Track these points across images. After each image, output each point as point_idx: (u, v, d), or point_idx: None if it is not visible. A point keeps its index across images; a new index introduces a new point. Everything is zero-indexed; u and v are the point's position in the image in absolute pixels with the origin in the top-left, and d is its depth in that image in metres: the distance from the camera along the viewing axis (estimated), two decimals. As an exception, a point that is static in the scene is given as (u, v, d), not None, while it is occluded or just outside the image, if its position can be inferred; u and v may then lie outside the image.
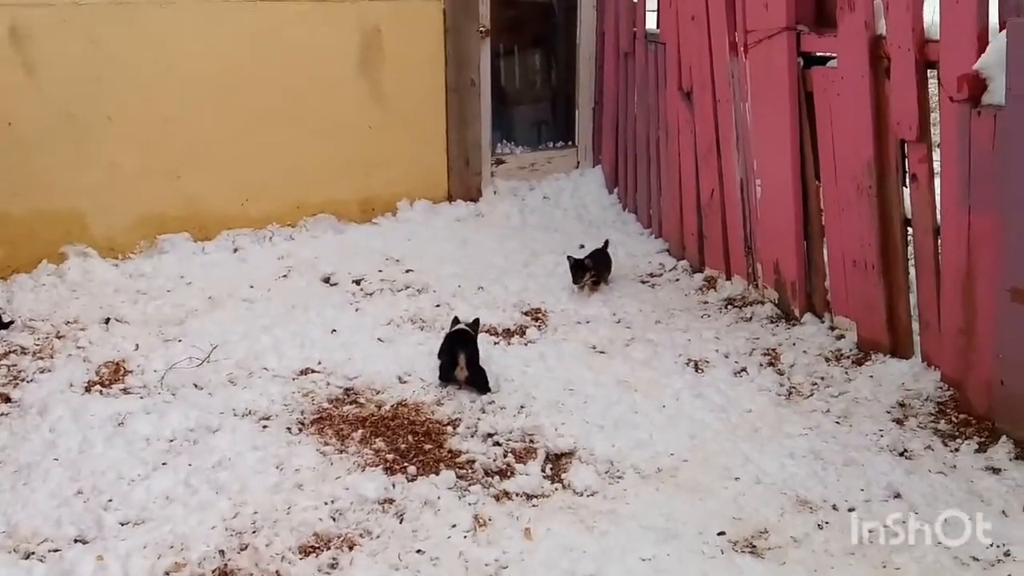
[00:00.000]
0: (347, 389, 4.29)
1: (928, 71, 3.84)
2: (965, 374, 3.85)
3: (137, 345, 4.69)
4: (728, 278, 5.48)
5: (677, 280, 5.73)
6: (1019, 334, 3.51)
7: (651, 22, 6.30)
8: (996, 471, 3.46)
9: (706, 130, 5.40)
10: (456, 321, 4.58)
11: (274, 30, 6.08)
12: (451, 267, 5.82)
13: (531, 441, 3.83)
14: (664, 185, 6.12)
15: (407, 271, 5.79)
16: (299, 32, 6.15)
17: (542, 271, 5.79)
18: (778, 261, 4.95)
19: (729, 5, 4.91)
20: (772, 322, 4.95)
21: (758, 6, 4.65)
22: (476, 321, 4.58)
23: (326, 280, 5.67)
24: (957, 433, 3.74)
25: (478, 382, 4.23)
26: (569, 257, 5.40)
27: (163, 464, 3.65)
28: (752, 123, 4.92)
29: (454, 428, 3.94)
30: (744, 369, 4.45)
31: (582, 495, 3.47)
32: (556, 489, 3.51)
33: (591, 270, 5.38)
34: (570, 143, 7.33)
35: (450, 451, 3.75)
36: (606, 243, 5.72)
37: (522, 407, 4.11)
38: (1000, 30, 3.40)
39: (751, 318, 5.04)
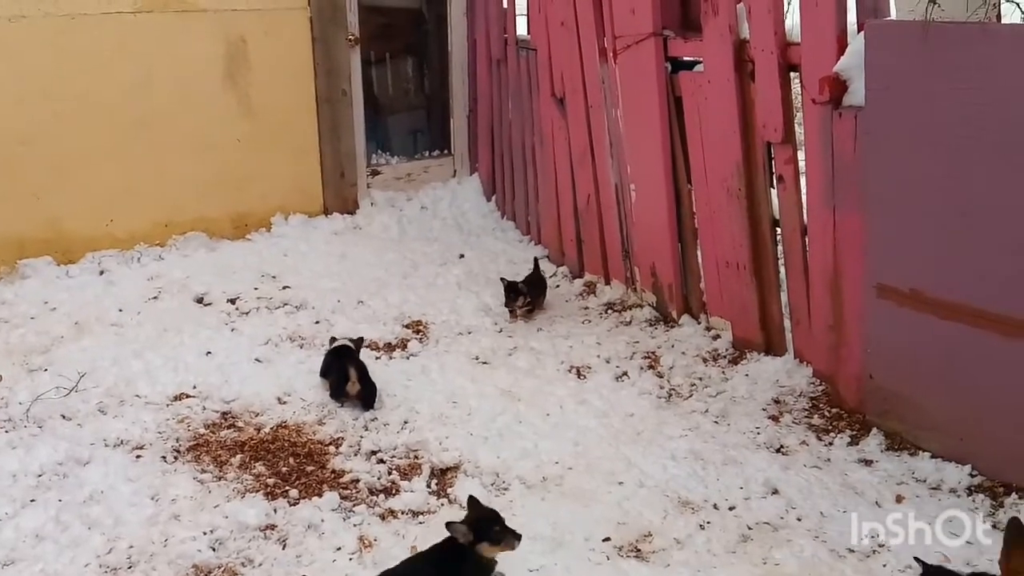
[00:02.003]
0: (224, 413, 4.12)
1: (791, 74, 3.95)
2: (836, 369, 3.97)
3: (0, 376, 4.39)
4: (607, 283, 5.53)
5: (557, 287, 5.74)
6: (885, 329, 3.63)
7: (522, 28, 6.30)
8: (868, 463, 3.58)
9: (580, 136, 5.43)
10: (334, 339, 4.47)
11: (135, 43, 5.83)
12: (330, 282, 5.66)
13: (416, 457, 3.75)
14: (541, 192, 6.13)
15: (284, 288, 5.59)
16: (161, 44, 5.91)
17: (422, 283, 5.70)
18: (655, 265, 5.01)
19: (597, 11, 4.95)
20: (651, 325, 5.01)
21: (625, 12, 4.70)
22: (360, 339, 4.51)
23: (199, 300, 5.42)
24: (830, 427, 3.85)
25: (369, 397, 4.11)
26: (503, 279, 5.17)
27: (31, 501, 3.46)
28: (624, 128, 4.97)
29: (337, 448, 3.82)
30: (625, 373, 4.48)
31: None
32: (442, 504, 3.45)
33: (525, 295, 5.12)
34: (446, 152, 7.27)
35: (333, 472, 3.64)
36: (536, 264, 5.46)
37: (406, 422, 4.02)
38: (858, 32, 3.52)
39: (631, 322, 5.09)
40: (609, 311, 5.28)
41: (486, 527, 2.88)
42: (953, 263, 3.33)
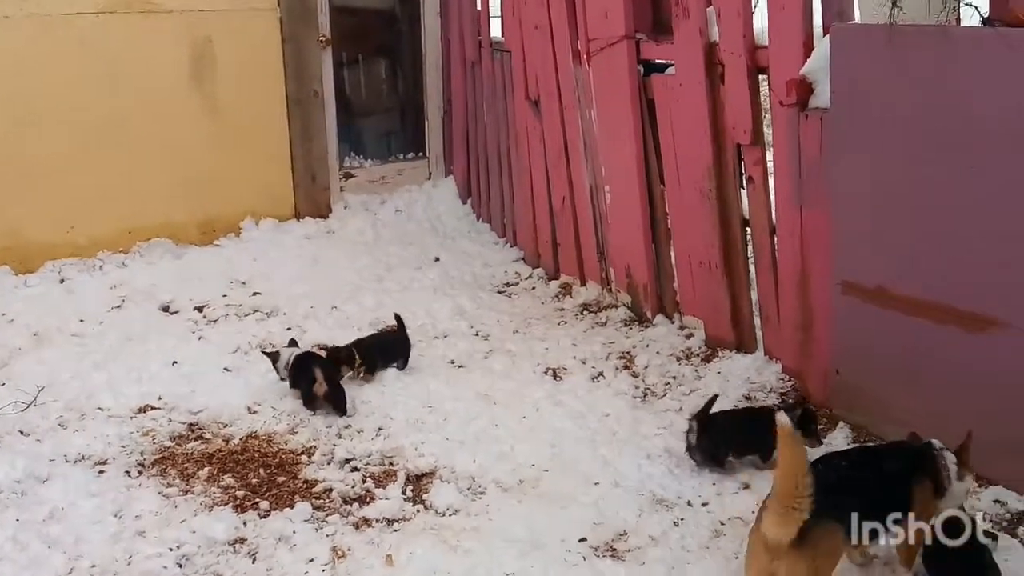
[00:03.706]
0: (191, 424, 4.06)
1: (760, 76, 3.99)
2: (804, 365, 4.03)
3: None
4: (583, 284, 5.54)
5: (533, 288, 5.75)
6: (851, 325, 3.69)
7: (496, 30, 6.30)
8: (835, 453, 3.62)
9: (555, 138, 5.44)
10: (293, 343, 4.42)
11: (97, 44, 5.74)
12: (302, 287, 5.62)
13: (391, 463, 3.72)
14: (516, 194, 6.13)
15: (254, 294, 5.54)
16: (124, 46, 5.83)
17: (397, 286, 5.69)
18: (629, 265, 5.03)
19: (571, 14, 4.96)
20: (626, 325, 5.03)
21: (598, 15, 4.72)
22: (292, 340, 4.48)
23: (165, 309, 5.35)
24: (801, 423, 3.90)
25: (339, 401, 4.07)
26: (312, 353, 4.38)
27: (-12, 520, 3.34)
28: (598, 130, 4.99)
29: (309, 457, 3.78)
30: (601, 374, 4.50)
31: (444, 514, 3.39)
32: (418, 511, 3.43)
33: (337, 373, 4.25)
34: (421, 154, 7.25)
35: (305, 481, 3.60)
36: (400, 321, 4.69)
37: (380, 429, 3.99)
38: (824, 35, 3.56)
39: (606, 323, 5.10)
40: (585, 312, 5.29)
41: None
42: (917, 260, 3.39)
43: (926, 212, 3.32)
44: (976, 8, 3.10)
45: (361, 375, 4.40)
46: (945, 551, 2.76)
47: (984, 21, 3.04)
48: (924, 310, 3.38)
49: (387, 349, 4.59)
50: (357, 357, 4.38)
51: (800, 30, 3.62)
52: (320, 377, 4.07)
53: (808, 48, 3.63)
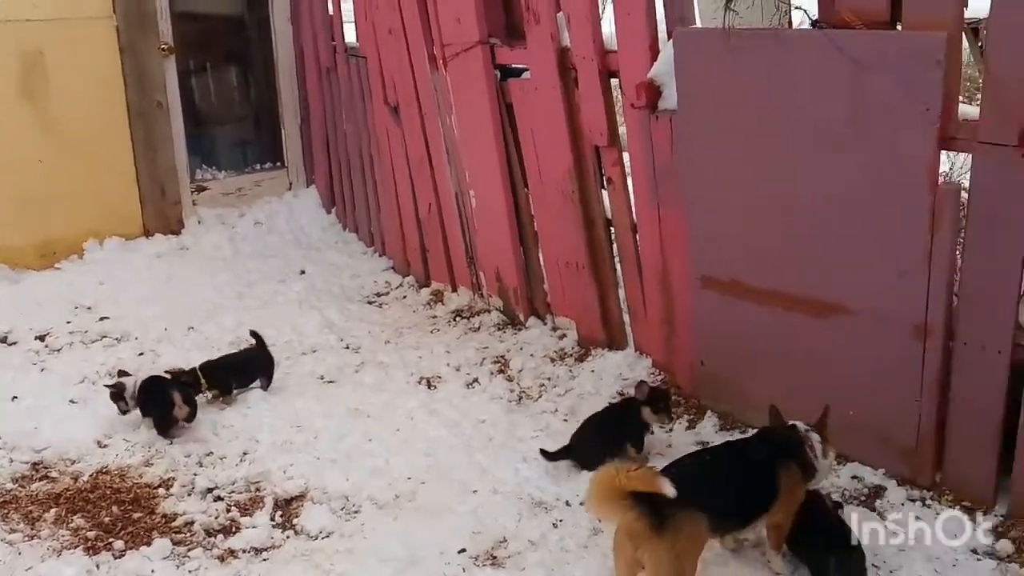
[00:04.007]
0: (35, 464, 3.78)
1: (612, 80, 4.05)
2: (672, 358, 4.14)
3: None
4: (454, 290, 5.51)
5: (404, 297, 5.67)
6: (712, 318, 3.81)
7: (351, 35, 6.17)
8: (705, 444, 3.70)
9: (416, 144, 5.37)
10: (124, 373, 4.12)
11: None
12: (154, 309, 5.35)
13: (257, 489, 3.58)
14: (382, 202, 6.03)
15: (101, 319, 5.23)
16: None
17: (258, 303, 5.49)
18: (499, 269, 5.03)
19: (424, 19, 4.90)
20: (499, 329, 5.03)
21: (451, 20, 4.68)
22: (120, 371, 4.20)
23: (2, 340, 4.98)
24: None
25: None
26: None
27: None
28: (459, 136, 4.96)
29: (167, 489, 3.58)
30: (476, 380, 4.47)
31: (317, 538, 3.29)
32: (288, 537, 3.30)
33: (182, 400, 3.95)
34: (279, 164, 7.04)
35: (164, 516, 3.41)
36: (258, 338, 4.49)
37: (245, 454, 3.83)
38: (668, 39, 3.65)
39: (479, 328, 5.09)
40: (458, 318, 5.26)
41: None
42: (765, 253, 3.54)
43: (770, 207, 3.46)
44: (805, 11, 3.25)
45: (211, 398, 4.19)
46: (809, 529, 2.89)
47: (813, 24, 3.19)
48: (775, 299, 3.53)
49: (242, 369, 4.38)
50: (202, 380, 4.15)
51: (646, 35, 3.70)
52: (179, 400, 3.89)
53: (654, 52, 3.71)
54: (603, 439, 3.60)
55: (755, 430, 3.64)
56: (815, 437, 2.93)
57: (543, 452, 3.64)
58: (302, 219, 6.80)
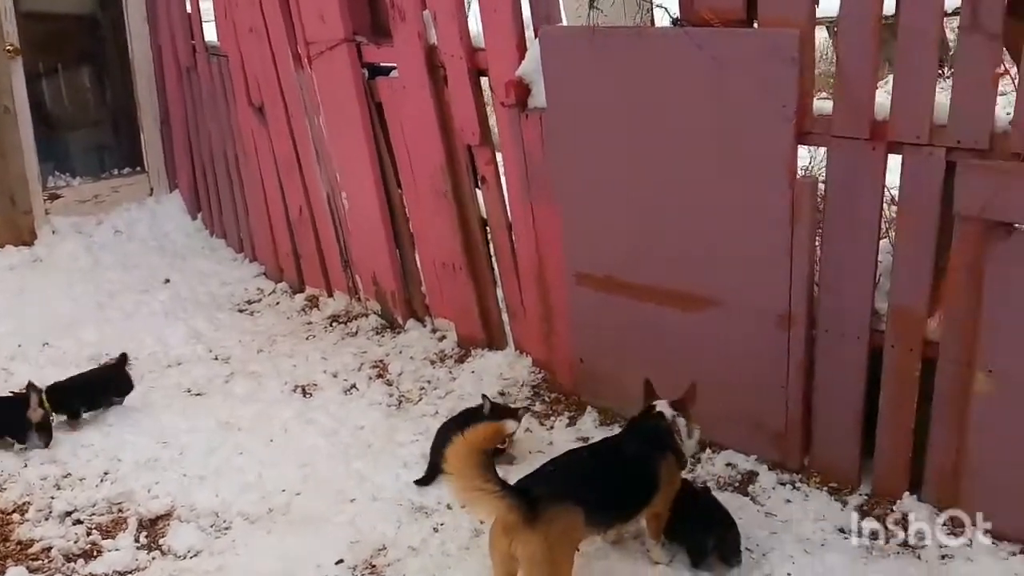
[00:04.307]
0: None
1: (481, 78, 4.03)
2: (551, 356, 4.15)
3: None
4: (330, 295, 5.38)
5: (277, 304, 5.51)
6: (587, 314, 3.84)
7: (212, 33, 5.92)
8: (585, 440, 3.75)
9: (284, 146, 5.21)
10: None
11: None
12: (5, 324, 5.01)
13: (120, 510, 3.41)
14: (250, 206, 5.83)
15: (-53, 337, 4.83)
16: None
17: (120, 314, 5.23)
18: (375, 272, 4.94)
19: (286, 16, 4.76)
20: (378, 333, 4.94)
21: (314, 18, 4.56)
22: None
23: None
24: (551, 411, 4.02)
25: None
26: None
27: None
28: (328, 136, 4.85)
29: (22, 514, 3.39)
30: (354, 386, 4.39)
31: (185, 557, 3.17)
32: (153, 558, 3.17)
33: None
34: (139, 168, 6.69)
35: (19, 543, 3.24)
36: (121, 360, 4.27)
37: (106, 473, 3.64)
38: (535, 37, 3.66)
39: (357, 332, 4.99)
40: (334, 324, 5.14)
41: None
42: (638, 248, 3.59)
43: (639, 204, 3.51)
44: (666, 9, 3.33)
45: (54, 420, 3.89)
46: (683, 512, 2.96)
47: (674, 22, 3.26)
48: (647, 295, 3.59)
49: (91, 389, 4.12)
50: (33, 402, 3.78)
51: (512, 32, 3.70)
52: (34, 403, 3.71)
53: (522, 50, 3.71)
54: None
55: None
56: (681, 422, 2.99)
57: (417, 483, 3.53)
58: (166, 225, 6.52)
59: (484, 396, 3.70)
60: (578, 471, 2.84)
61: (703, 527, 2.96)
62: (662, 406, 3.02)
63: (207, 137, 6.07)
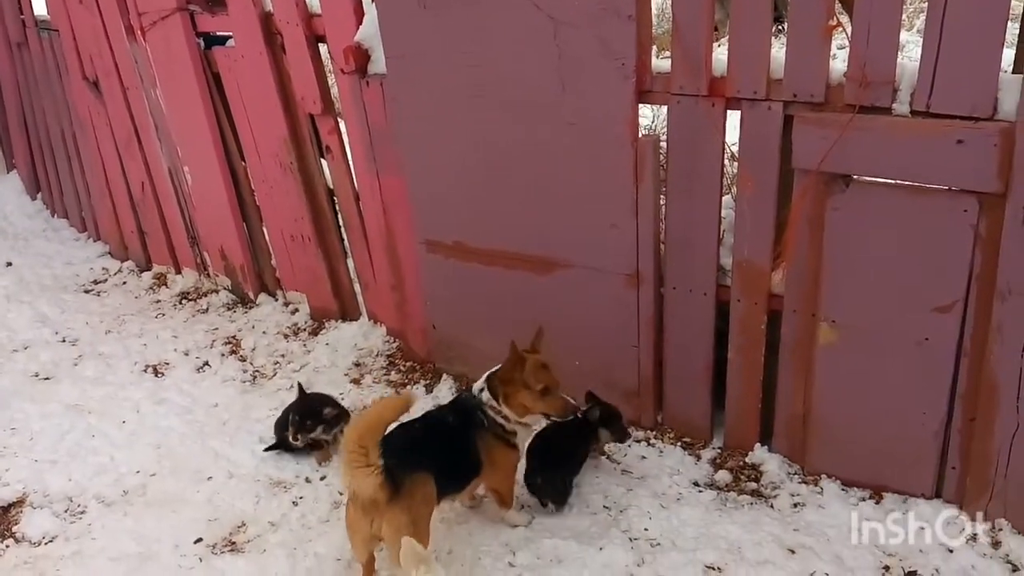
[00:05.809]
0: None
1: (320, 45, 3.96)
2: (404, 325, 4.20)
3: None
4: (179, 272, 5.27)
5: (124, 283, 5.37)
6: (438, 281, 3.87)
7: (41, 7, 5.59)
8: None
9: (122, 120, 5.01)
10: None
11: None
12: None
13: (-33, 502, 3.30)
14: (91, 184, 5.60)
15: None
16: None
17: (-45, 302, 4.93)
18: (223, 247, 4.86)
19: (116, -14, 4.55)
20: (229, 309, 4.89)
21: (146, -14, 4.39)
22: None
23: None
24: (407, 380, 4.08)
25: None
26: None
27: None
28: (167, 109, 4.69)
29: None
30: (207, 363, 4.35)
31: (40, 544, 3.14)
32: (8, 546, 3.13)
33: None
34: (-30, 149, 6.28)
35: None
36: None
37: (-47, 464, 3.50)
38: (371, 1, 3.58)
39: (208, 309, 4.92)
40: (184, 301, 5.05)
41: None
42: (486, 213, 3.60)
43: (485, 168, 3.49)
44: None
45: None
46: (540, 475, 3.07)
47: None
48: (497, 259, 3.61)
49: None
50: None
51: (349, -4, 3.61)
52: None
53: (359, 14, 3.65)
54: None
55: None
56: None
57: (266, 450, 3.56)
58: (4, 207, 6.25)
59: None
60: (421, 440, 2.84)
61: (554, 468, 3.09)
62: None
63: (43, 115, 5.79)
